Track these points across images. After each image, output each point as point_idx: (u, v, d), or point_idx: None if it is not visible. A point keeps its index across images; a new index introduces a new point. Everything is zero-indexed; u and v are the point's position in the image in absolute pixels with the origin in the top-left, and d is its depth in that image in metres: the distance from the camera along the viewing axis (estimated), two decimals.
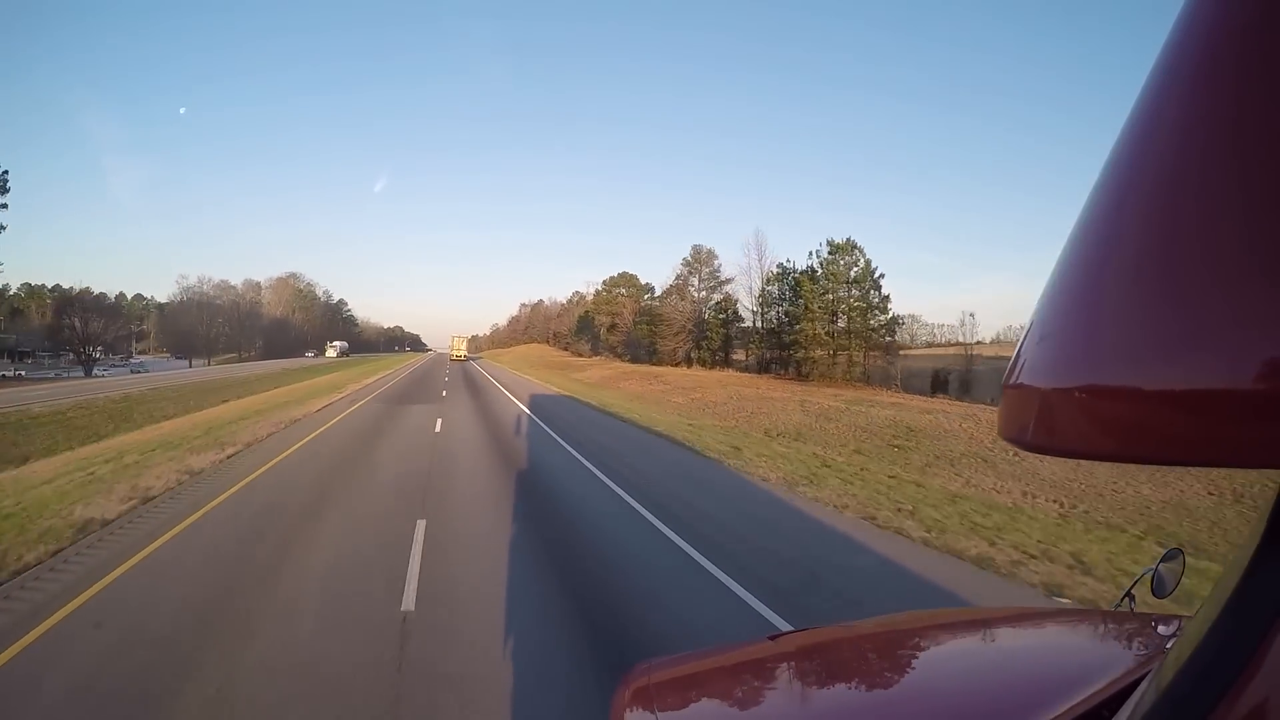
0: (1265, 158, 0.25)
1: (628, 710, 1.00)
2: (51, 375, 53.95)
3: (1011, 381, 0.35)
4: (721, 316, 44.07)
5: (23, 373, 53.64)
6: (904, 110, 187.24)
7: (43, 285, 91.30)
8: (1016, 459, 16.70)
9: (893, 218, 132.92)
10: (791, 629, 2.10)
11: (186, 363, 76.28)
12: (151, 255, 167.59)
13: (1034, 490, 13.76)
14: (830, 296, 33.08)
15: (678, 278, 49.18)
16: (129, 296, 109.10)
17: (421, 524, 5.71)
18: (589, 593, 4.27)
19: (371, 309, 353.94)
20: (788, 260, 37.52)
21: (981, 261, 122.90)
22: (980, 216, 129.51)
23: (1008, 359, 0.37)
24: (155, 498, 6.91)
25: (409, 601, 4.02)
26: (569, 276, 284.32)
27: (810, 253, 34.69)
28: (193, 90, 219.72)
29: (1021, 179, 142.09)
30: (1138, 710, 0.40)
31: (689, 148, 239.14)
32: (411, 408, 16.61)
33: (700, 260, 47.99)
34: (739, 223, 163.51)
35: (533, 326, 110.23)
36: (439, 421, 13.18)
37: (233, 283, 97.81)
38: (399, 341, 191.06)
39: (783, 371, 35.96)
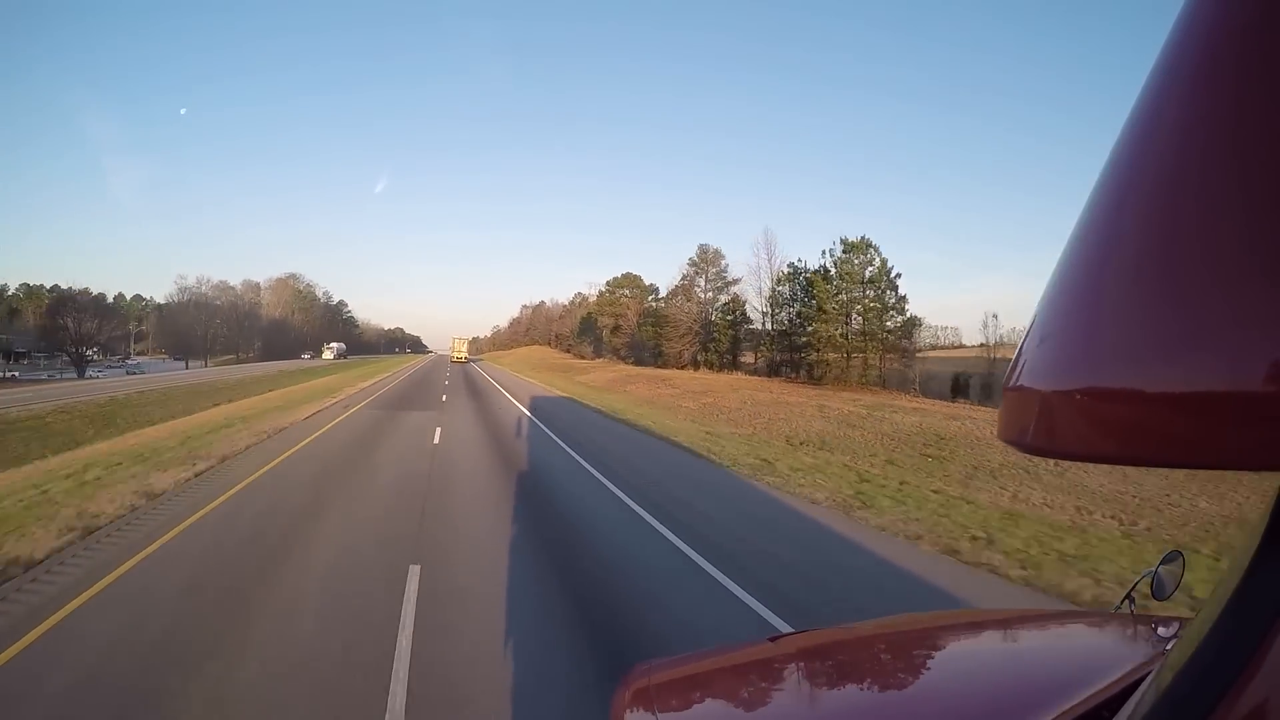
0: (1265, 158, 0.25)
1: (628, 711, 0.99)
2: (44, 376, 53.00)
3: (1011, 383, 0.35)
4: (729, 318, 42.82)
5: (16, 374, 52.70)
6: (903, 110, 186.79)
7: (41, 285, 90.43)
8: (1058, 469, 15.68)
9: (893, 218, 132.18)
10: (792, 630, 1.98)
11: (183, 364, 75.23)
12: (152, 255, 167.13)
13: (1086, 504, 12.71)
14: (844, 297, 31.91)
15: (683, 278, 47.94)
16: (128, 297, 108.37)
17: (415, 573, 4.58)
18: None
19: (372, 310, 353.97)
20: (799, 260, 36.44)
21: (981, 261, 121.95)
22: (980, 217, 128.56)
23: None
24: (99, 529, 5.80)
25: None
26: (570, 277, 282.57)
27: (823, 251, 33.50)
28: (193, 90, 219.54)
29: (1022, 179, 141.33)
30: (1138, 711, 0.39)
31: (689, 148, 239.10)
32: (410, 414, 15.46)
33: (706, 260, 46.80)
34: (740, 223, 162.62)
35: (534, 328, 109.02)
36: (437, 431, 12.02)
37: (232, 283, 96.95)
38: (399, 343, 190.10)
39: (793, 375, 34.71)
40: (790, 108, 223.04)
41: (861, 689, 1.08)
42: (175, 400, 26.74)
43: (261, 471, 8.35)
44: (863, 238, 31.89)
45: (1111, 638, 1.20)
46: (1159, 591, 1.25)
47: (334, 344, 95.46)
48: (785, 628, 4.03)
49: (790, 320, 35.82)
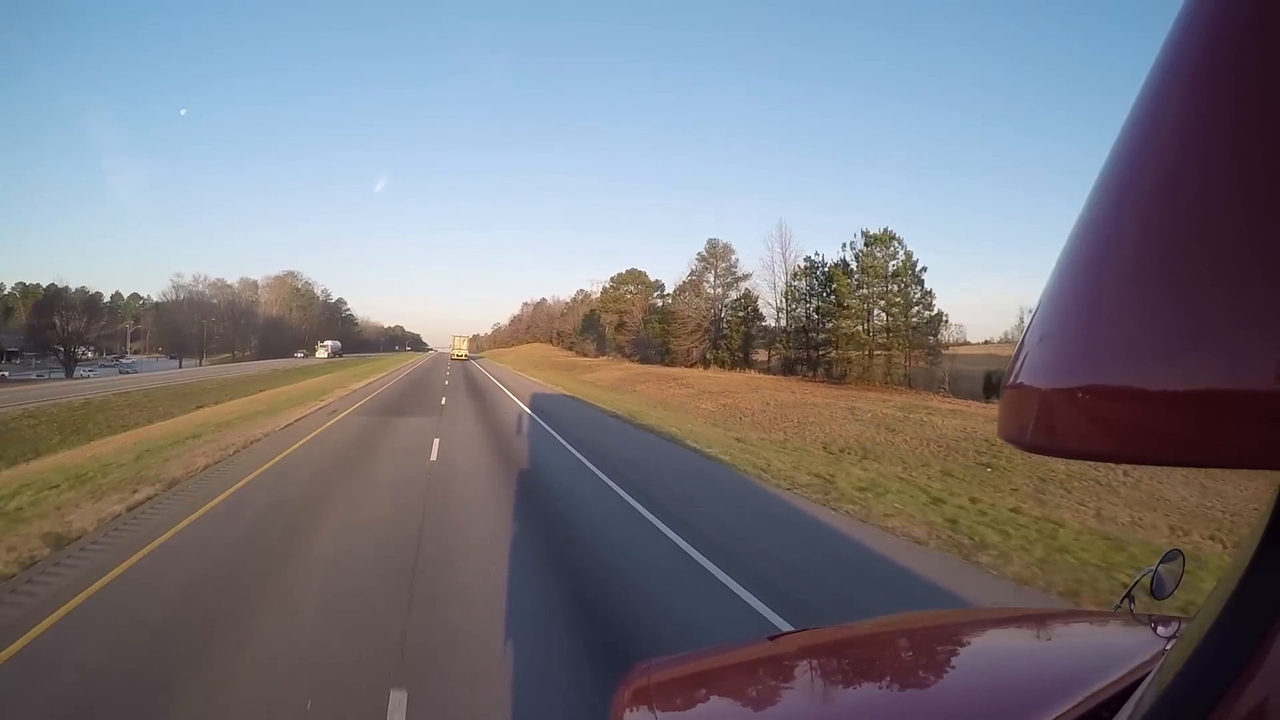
0: (1265, 158, 0.25)
1: (627, 710, 0.97)
2: (33, 376, 51.45)
3: (1011, 381, 0.35)
4: (741, 314, 41.10)
5: (6, 374, 51.19)
6: (904, 109, 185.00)
7: (38, 284, 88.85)
8: (1129, 478, 14.09)
9: (893, 217, 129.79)
10: (792, 629, 1.85)
11: (177, 363, 73.64)
12: (152, 255, 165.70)
13: (1176, 522, 11.10)
14: (866, 291, 30.20)
15: (692, 273, 46.16)
16: (125, 296, 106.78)
17: (399, 702, 2.89)
18: None
19: (372, 309, 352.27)
20: (815, 254, 34.66)
21: (982, 262, 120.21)
22: (980, 216, 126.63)
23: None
24: None
25: None
26: (571, 276, 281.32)
27: (844, 244, 31.84)
28: (193, 91, 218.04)
29: (1022, 178, 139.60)
30: (1138, 711, 0.39)
31: (689, 147, 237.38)
32: (403, 421, 13.77)
33: (716, 255, 45.02)
34: (741, 222, 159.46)
35: (535, 326, 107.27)
36: (435, 444, 10.31)
37: (229, 281, 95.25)
38: (399, 341, 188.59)
39: (810, 373, 33.00)
40: (790, 107, 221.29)
41: (861, 688, 1.08)
42: (157, 403, 25.11)
43: (214, 503, 6.69)
44: (885, 230, 30.33)
45: (1111, 637, 1.21)
46: (1159, 591, 1.23)
47: (328, 342, 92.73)
48: None
49: (807, 316, 34.12)
